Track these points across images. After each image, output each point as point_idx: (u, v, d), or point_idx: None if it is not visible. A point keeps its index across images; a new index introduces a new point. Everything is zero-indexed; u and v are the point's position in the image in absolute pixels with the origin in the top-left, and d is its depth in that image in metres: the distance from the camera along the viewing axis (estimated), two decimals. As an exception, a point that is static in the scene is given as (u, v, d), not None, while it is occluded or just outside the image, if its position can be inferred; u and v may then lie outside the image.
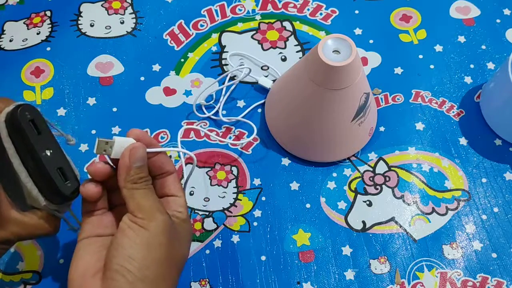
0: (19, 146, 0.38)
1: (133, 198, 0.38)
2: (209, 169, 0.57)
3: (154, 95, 0.62)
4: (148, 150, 0.40)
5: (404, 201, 0.55)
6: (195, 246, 0.53)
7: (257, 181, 0.56)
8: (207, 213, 0.55)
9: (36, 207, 0.40)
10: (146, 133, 0.41)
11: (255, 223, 0.54)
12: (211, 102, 0.60)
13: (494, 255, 0.53)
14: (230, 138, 0.59)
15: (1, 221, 0.40)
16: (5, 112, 0.39)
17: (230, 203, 0.55)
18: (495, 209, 0.55)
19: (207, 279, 0.51)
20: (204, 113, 0.59)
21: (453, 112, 0.61)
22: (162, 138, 0.59)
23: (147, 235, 0.37)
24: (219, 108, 0.60)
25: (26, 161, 0.39)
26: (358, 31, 0.66)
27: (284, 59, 0.64)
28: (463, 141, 0.59)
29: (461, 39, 0.65)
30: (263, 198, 0.56)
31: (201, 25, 0.67)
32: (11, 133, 0.38)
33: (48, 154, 0.39)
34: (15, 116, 0.38)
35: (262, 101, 0.61)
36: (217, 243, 0.53)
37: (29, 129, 0.38)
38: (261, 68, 0.63)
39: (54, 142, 0.40)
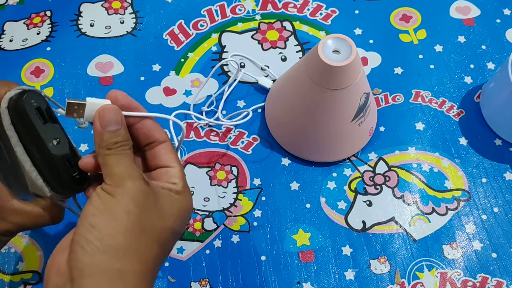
0: (23, 134, 0.36)
1: (106, 165, 0.35)
2: (209, 169, 0.57)
3: (154, 95, 0.62)
4: (125, 113, 0.36)
5: (404, 201, 0.55)
6: (195, 246, 0.53)
7: (257, 181, 0.56)
8: (207, 213, 0.55)
9: (39, 196, 0.39)
10: (126, 95, 0.37)
11: (255, 223, 0.54)
12: (212, 107, 0.60)
13: (494, 255, 0.53)
14: (230, 138, 0.59)
15: (2, 212, 0.38)
16: (6, 98, 0.36)
17: (230, 203, 0.55)
18: (495, 209, 0.55)
19: (207, 279, 0.51)
20: (203, 119, 0.59)
21: (453, 112, 0.61)
22: (162, 138, 0.59)
23: (113, 201, 0.33)
24: (218, 111, 0.59)
25: (31, 150, 0.36)
26: (358, 31, 0.66)
27: (284, 59, 0.64)
28: (463, 141, 0.59)
29: (461, 39, 0.65)
30: (263, 198, 0.56)
31: (201, 25, 0.67)
32: (15, 120, 0.36)
33: (55, 144, 0.37)
34: (20, 104, 0.35)
35: (263, 103, 0.61)
36: (217, 243, 0.53)
37: (35, 118, 0.36)
38: (261, 68, 0.63)
39: (61, 131, 0.38)
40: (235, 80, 0.61)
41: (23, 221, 0.39)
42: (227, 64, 0.63)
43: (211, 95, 0.61)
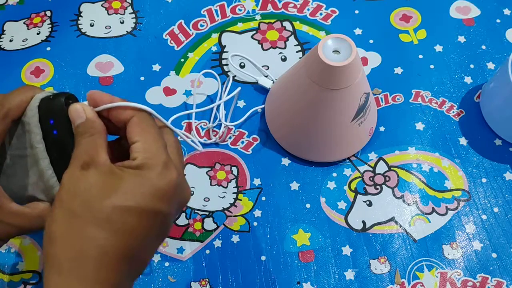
0: (49, 133, 0.37)
1: None
2: (209, 169, 0.57)
3: (154, 95, 0.62)
4: (97, 109, 0.37)
5: (404, 201, 0.55)
6: (195, 246, 0.53)
7: (257, 181, 0.56)
8: (207, 213, 0.55)
9: (36, 199, 0.39)
10: (99, 92, 0.38)
11: (255, 223, 0.54)
12: (217, 121, 0.60)
13: (494, 255, 0.53)
14: (230, 138, 0.59)
15: (5, 217, 0.38)
16: (38, 98, 0.38)
17: (230, 203, 0.55)
18: (495, 209, 0.55)
19: (207, 279, 0.51)
20: (209, 139, 0.59)
21: (453, 112, 0.61)
22: (162, 138, 0.59)
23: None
24: (221, 117, 0.59)
25: (51, 149, 0.38)
26: (358, 31, 0.66)
27: (284, 59, 0.64)
28: (463, 141, 0.59)
29: (461, 39, 0.65)
30: (263, 198, 0.56)
31: (201, 25, 0.67)
32: (43, 119, 0.37)
33: None
34: (55, 105, 0.37)
35: (263, 104, 0.61)
36: (217, 243, 0.53)
37: (67, 120, 0.37)
38: (261, 68, 0.63)
39: None
40: (231, 77, 0.61)
41: (22, 223, 0.39)
42: (227, 64, 0.63)
43: (210, 97, 0.61)
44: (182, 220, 0.54)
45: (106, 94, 0.38)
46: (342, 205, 0.55)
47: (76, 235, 0.33)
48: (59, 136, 0.37)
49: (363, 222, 0.54)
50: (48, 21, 0.67)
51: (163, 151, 0.36)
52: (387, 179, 0.56)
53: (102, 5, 0.69)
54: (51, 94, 0.38)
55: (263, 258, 0.52)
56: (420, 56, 0.64)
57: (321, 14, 0.68)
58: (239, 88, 0.57)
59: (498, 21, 0.67)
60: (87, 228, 0.33)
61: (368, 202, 0.55)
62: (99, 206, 0.33)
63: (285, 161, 0.58)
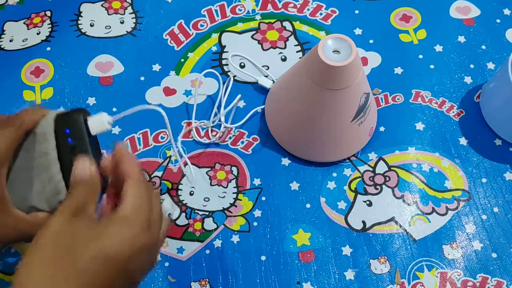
0: (62, 140, 0.40)
1: None
2: (209, 169, 0.57)
3: (154, 95, 0.62)
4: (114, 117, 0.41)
5: (404, 201, 0.55)
6: (195, 246, 0.53)
7: (257, 181, 0.56)
8: (207, 213, 0.55)
9: (37, 209, 0.41)
10: (121, 150, 0.41)
11: (255, 223, 0.54)
12: (216, 120, 0.60)
13: (494, 255, 0.53)
14: (230, 138, 0.59)
15: (7, 219, 0.40)
16: (54, 112, 0.41)
17: (230, 203, 0.55)
18: (495, 209, 0.55)
19: (207, 279, 0.51)
20: (207, 138, 0.59)
21: (453, 112, 0.61)
22: (162, 138, 0.59)
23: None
24: (222, 118, 0.59)
25: (63, 156, 0.40)
26: (358, 31, 0.66)
27: (284, 59, 0.64)
28: (463, 141, 0.59)
29: (461, 39, 0.65)
30: (263, 198, 0.56)
31: (201, 25, 0.67)
32: (59, 128, 0.40)
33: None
34: (78, 118, 0.41)
35: (263, 104, 0.61)
36: (217, 243, 0.53)
37: (85, 131, 0.41)
38: (261, 68, 0.63)
39: (97, 145, 0.43)
40: (231, 77, 0.61)
41: (24, 229, 0.41)
42: (227, 64, 0.63)
43: (211, 96, 0.61)
44: (182, 220, 0.54)
45: (127, 154, 0.41)
46: (342, 205, 0.55)
47: (50, 280, 0.35)
48: (74, 144, 0.40)
49: (363, 222, 0.54)
50: (48, 21, 0.67)
51: (148, 210, 0.39)
52: (387, 179, 0.56)
53: (102, 5, 0.69)
54: (66, 111, 0.42)
55: (263, 258, 0.52)
56: (420, 56, 0.64)
57: (321, 14, 0.68)
58: (239, 96, 0.57)
59: (498, 21, 0.67)
60: (62, 273, 0.35)
61: (368, 202, 0.55)
62: (79, 252, 0.36)
63: (285, 161, 0.58)
